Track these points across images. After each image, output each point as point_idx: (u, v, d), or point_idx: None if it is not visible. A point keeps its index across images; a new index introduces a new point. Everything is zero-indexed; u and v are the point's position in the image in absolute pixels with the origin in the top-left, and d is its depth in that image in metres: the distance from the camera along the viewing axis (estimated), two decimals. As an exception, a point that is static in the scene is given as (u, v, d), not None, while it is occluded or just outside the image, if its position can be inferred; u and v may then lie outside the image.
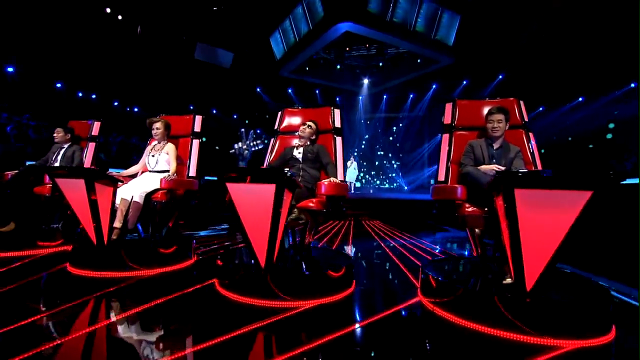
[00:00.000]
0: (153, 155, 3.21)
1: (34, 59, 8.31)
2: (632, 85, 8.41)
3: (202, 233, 4.83)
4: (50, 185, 3.44)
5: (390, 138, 14.72)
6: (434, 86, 12.33)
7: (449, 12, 8.77)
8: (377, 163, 15.04)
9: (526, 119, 2.65)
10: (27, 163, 5.44)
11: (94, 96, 9.98)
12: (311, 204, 2.42)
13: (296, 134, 2.94)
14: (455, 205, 2.33)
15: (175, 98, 10.89)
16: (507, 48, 9.09)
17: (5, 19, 7.41)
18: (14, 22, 7.60)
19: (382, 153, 14.94)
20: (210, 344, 1.56)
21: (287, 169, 2.15)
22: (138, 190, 2.91)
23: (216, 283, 2.35)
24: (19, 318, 1.75)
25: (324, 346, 1.59)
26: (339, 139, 2.92)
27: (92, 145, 3.81)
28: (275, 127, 3.17)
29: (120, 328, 1.76)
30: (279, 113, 3.20)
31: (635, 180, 3.69)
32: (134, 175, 3.26)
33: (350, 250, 4.07)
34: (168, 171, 3.10)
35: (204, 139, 3.45)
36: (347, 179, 9.57)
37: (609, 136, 8.57)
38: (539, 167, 2.50)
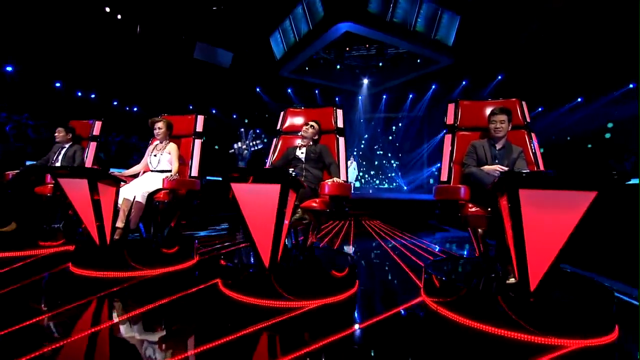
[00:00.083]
0: (155, 155, 3.20)
1: (33, 58, 8.28)
2: (631, 86, 8.44)
3: (202, 233, 4.83)
4: (52, 185, 3.44)
5: (390, 138, 14.74)
6: (433, 86, 12.34)
7: (448, 13, 8.79)
8: (376, 163, 15.05)
9: (528, 120, 2.66)
10: (27, 163, 5.43)
11: (93, 95, 9.95)
12: (314, 204, 2.42)
13: (299, 134, 2.95)
14: (459, 205, 2.34)
15: (175, 98, 10.87)
16: (507, 48, 9.11)
17: (4, 18, 7.38)
18: (13, 21, 7.57)
19: (381, 152, 14.96)
20: (216, 344, 1.56)
21: (292, 169, 2.15)
22: (140, 190, 2.91)
23: (219, 283, 2.35)
24: (23, 318, 1.75)
25: (330, 346, 1.60)
26: (341, 139, 2.92)
27: (93, 145, 3.81)
28: (278, 127, 3.17)
29: (124, 329, 1.75)
30: (282, 113, 3.21)
31: (635, 181, 3.71)
32: (135, 175, 3.25)
33: (351, 250, 4.08)
34: (170, 171, 3.10)
35: (203, 139, 3.45)
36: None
37: (608, 135, 8.60)
38: (542, 168, 2.51)
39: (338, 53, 11.42)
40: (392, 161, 14.83)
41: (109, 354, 1.53)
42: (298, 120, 3.12)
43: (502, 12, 8.33)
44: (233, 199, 2.07)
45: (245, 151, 11.65)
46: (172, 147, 3.20)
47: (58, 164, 3.62)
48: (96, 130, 3.85)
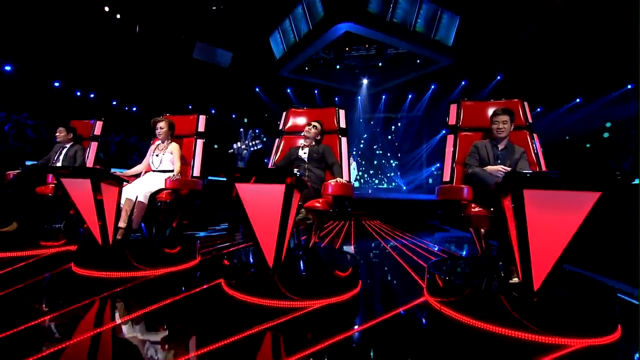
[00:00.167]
0: (157, 155, 3.20)
1: (32, 57, 8.25)
2: (629, 86, 8.49)
3: (202, 234, 4.82)
4: (53, 185, 3.43)
5: (389, 137, 14.76)
6: (432, 86, 12.37)
7: (448, 13, 8.80)
8: (375, 162, 15.07)
9: (530, 120, 2.67)
10: (27, 163, 5.41)
11: (92, 95, 9.92)
12: (317, 204, 2.43)
13: (301, 134, 2.95)
14: (461, 205, 2.35)
15: (174, 97, 10.85)
16: (506, 49, 9.14)
17: (2, 17, 7.35)
18: (11, 20, 7.54)
19: (380, 152, 14.96)
20: (222, 344, 1.57)
21: (296, 170, 2.15)
22: (142, 190, 2.91)
23: (223, 283, 2.35)
24: (27, 319, 1.74)
25: (336, 346, 1.60)
26: (344, 140, 2.93)
27: (94, 145, 3.80)
28: (280, 127, 3.18)
29: (129, 329, 1.75)
30: (284, 113, 3.21)
31: (635, 181, 3.73)
32: (137, 175, 3.25)
33: (352, 250, 4.08)
34: (172, 171, 3.10)
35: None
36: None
37: (606, 135, 8.65)
38: (544, 168, 2.53)
39: (338, 53, 11.42)
40: (392, 161, 14.85)
41: (115, 355, 1.53)
42: (300, 121, 3.13)
43: (501, 13, 8.35)
44: (237, 198, 2.07)
45: (245, 151, 11.64)
46: (174, 147, 3.20)
47: (59, 164, 3.61)
48: (97, 130, 3.84)
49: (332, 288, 2.21)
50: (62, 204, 3.48)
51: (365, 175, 15.17)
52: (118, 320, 1.85)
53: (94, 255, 2.63)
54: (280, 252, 2.09)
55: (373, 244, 4.45)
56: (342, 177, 2.65)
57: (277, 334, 1.73)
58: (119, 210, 2.73)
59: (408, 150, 14.25)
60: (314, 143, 2.88)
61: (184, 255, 2.93)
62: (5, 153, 6.86)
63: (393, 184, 14.86)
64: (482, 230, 2.43)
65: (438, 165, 13.28)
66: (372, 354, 1.58)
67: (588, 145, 8.95)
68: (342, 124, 2.98)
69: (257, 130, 12.52)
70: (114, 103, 10.56)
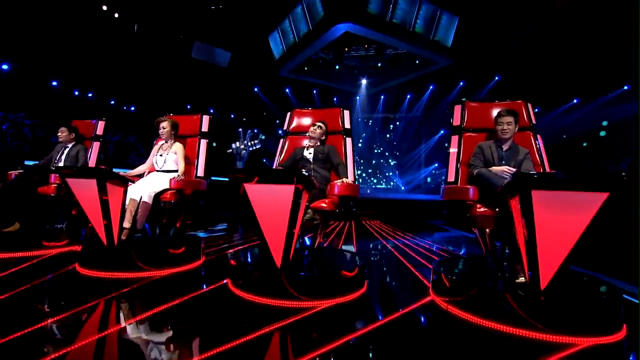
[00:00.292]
0: (161, 155, 3.20)
1: (30, 56, 8.19)
2: (626, 87, 8.58)
3: (202, 234, 4.81)
4: (55, 185, 3.41)
5: (388, 136, 14.80)
6: (431, 87, 12.42)
7: (447, 14, 8.84)
8: (374, 162, 15.10)
9: (534, 121, 2.70)
10: (26, 162, 5.38)
11: (90, 95, 9.87)
12: (323, 204, 2.44)
13: (307, 134, 2.96)
14: (467, 205, 2.37)
15: (173, 97, 10.81)
16: (504, 50, 9.19)
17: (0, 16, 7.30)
18: (9, 19, 7.48)
19: (379, 151, 14.99)
20: (234, 344, 1.57)
21: (304, 171, 2.16)
22: (147, 191, 2.90)
23: (229, 283, 2.35)
24: (34, 320, 1.74)
25: (347, 346, 1.61)
26: (348, 140, 2.95)
27: (96, 145, 3.79)
28: (285, 127, 3.18)
29: (137, 331, 1.75)
30: (288, 114, 3.22)
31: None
32: (140, 175, 3.24)
33: (354, 250, 4.09)
34: (176, 171, 3.10)
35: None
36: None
37: (603, 133, 8.72)
38: (548, 169, 2.55)
39: (337, 53, 11.42)
40: (390, 160, 14.89)
41: (125, 357, 1.53)
42: (305, 121, 3.14)
43: (499, 14, 8.40)
44: (245, 198, 2.08)
45: (244, 151, 11.63)
46: (178, 147, 3.20)
47: (61, 164, 3.59)
48: (99, 130, 3.83)
49: (339, 288, 2.22)
50: (65, 204, 3.46)
51: (364, 174, 15.20)
52: (126, 322, 1.85)
53: (99, 255, 2.62)
54: (288, 252, 2.10)
55: (375, 244, 4.46)
56: (347, 178, 2.66)
57: (288, 334, 1.73)
58: (123, 210, 2.72)
59: (407, 150, 14.30)
60: (319, 143, 2.89)
61: (189, 256, 2.93)
62: (4, 153, 6.80)
63: (391, 183, 14.90)
64: (487, 230, 2.45)
65: (436, 165, 13.34)
66: (383, 354, 1.59)
67: (585, 144, 9.03)
68: (347, 125, 2.99)
69: (255, 130, 12.51)
70: (112, 102, 10.51)
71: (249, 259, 2.54)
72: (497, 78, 10.71)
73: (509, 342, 1.73)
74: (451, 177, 2.67)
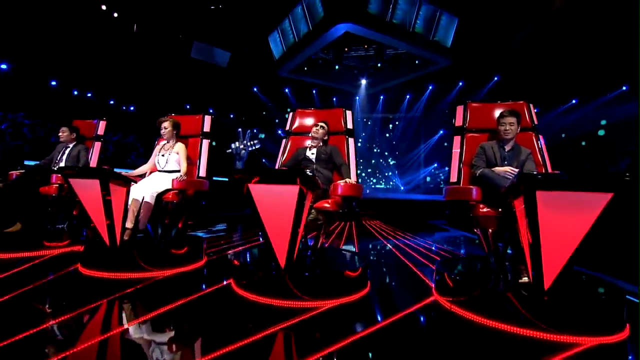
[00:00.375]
0: (163, 155, 3.19)
1: (28, 56, 8.16)
2: (624, 88, 8.62)
3: (201, 234, 4.81)
4: (57, 185, 3.41)
5: (387, 135, 14.82)
6: (430, 87, 12.44)
7: (447, 14, 8.86)
8: (373, 162, 15.12)
9: (536, 122, 2.71)
10: (26, 162, 5.36)
11: (89, 94, 9.84)
12: (327, 205, 2.44)
13: (309, 135, 2.96)
14: (470, 206, 2.38)
15: (172, 97, 10.79)
16: (503, 50, 9.22)
17: (-1, 15, 7.27)
18: (7, 19, 7.45)
19: (378, 150, 15.01)
20: (239, 345, 1.57)
21: (309, 171, 2.17)
22: (149, 191, 2.90)
23: (232, 283, 2.35)
24: (37, 321, 1.73)
25: (352, 346, 1.62)
26: (351, 140, 2.95)
27: (97, 145, 3.78)
28: (287, 127, 3.18)
29: (141, 332, 1.74)
30: (291, 114, 3.22)
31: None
32: (142, 175, 3.24)
33: (356, 250, 4.10)
34: (178, 171, 3.10)
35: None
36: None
37: (602, 132, 8.76)
38: (549, 169, 2.56)
39: (337, 53, 11.43)
40: (389, 160, 14.90)
41: (129, 359, 1.52)
42: (307, 121, 3.14)
43: (499, 14, 8.43)
44: (250, 199, 2.08)
45: (243, 151, 11.63)
46: (180, 147, 3.19)
47: (62, 164, 3.59)
48: (101, 130, 3.82)
49: (342, 288, 2.22)
50: (66, 204, 3.46)
51: (363, 175, 15.21)
52: (130, 323, 1.84)
53: (102, 256, 2.61)
54: (292, 253, 2.10)
55: (376, 244, 4.47)
56: (350, 178, 2.66)
57: (294, 334, 1.74)
58: (126, 210, 2.71)
59: (406, 150, 14.32)
60: (321, 144, 2.90)
61: (191, 256, 2.92)
62: (4, 153, 6.78)
63: (391, 183, 14.92)
64: (489, 230, 2.46)
65: (436, 165, 13.37)
66: (388, 354, 1.60)
67: (583, 143, 9.07)
68: (350, 125, 3.00)
69: (255, 130, 12.51)
70: (111, 102, 10.48)
71: (253, 259, 2.54)
72: (496, 78, 10.74)
73: (513, 342, 1.74)
74: (454, 178, 2.68)
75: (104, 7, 9.16)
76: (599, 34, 7.51)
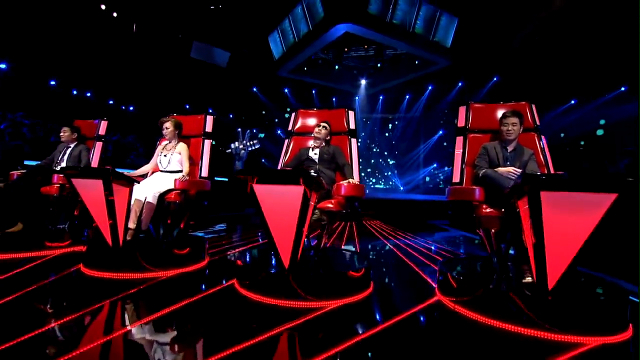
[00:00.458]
0: (165, 155, 3.19)
1: (28, 56, 8.13)
2: (623, 89, 8.65)
3: (201, 234, 4.80)
4: (58, 185, 3.40)
5: (387, 134, 14.83)
6: (429, 87, 12.46)
7: (447, 14, 8.87)
8: (372, 162, 15.13)
9: (538, 123, 2.72)
10: (25, 162, 5.34)
11: (89, 94, 9.82)
12: (330, 205, 2.44)
13: (312, 135, 2.96)
14: (473, 206, 2.39)
15: (171, 97, 10.78)
16: (503, 50, 9.24)
17: (-2, 15, 7.25)
18: (7, 18, 7.43)
19: (377, 150, 15.02)
20: (244, 345, 1.57)
21: (313, 171, 2.17)
22: (151, 191, 2.90)
23: (236, 283, 2.35)
24: (38, 323, 1.73)
25: (358, 346, 1.62)
26: (353, 141, 2.96)
27: (99, 145, 3.78)
28: (289, 127, 3.18)
29: (144, 333, 1.73)
30: (293, 114, 3.22)
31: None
32: (144, 175, 3.24)
33: (357, 250, 4.10)
34: (180, 171, 3.09)
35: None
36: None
37: (600, 132, 8.79)
38: (552, 170, 2.57)
39: (337, 53, 11.43)
40: (389, 159, 14.92)
41: (134, 359, 1.52)
42: (310, 122, 3.14)
43: (499, 14, 8.44)
44: (254, 199, 2.08)
45: (243, 151, 11.63)
46: (182, 147, 3.19)
47: (63, 164, 3.58)
48: (102, 130, 3.82)
49: (346, 288, 2.22)
50: (67, 204, 3.45)
51: (363, 174, 15.22)
52: (133, 324, 1.83)
53: (104, 256, 2.61)
54: (296, 253, 2.10)
55: (377, 244, 4.48)
56: (353, 178, 2.67)
57: (299, 334, 1.74)
58: (128, 210, 2.71)
59: (405, 150, 14.33)
60: (324, 144, 2.90)
61: (193, 256, 2.92)
62: (3, 153, 6.75)
63: (390, 183, 14.93)
64: (492, 230, 2.46)
65: (435, 165, 13.39)
66: (393, 354, 1.60)
67: (582, 143, 9.10)
68: (352, 125, 3.00)
69: (254, 130, 12.51)
70: (111, 102, 10.47)
71: (256, 260, 2.54)
72: (495, 79, 10.76)
73: (517, 342, 1.75)
74: (456, 178, 2.69)
75: (103, 7, 9.14)
76: (599, 35, 7.54)
